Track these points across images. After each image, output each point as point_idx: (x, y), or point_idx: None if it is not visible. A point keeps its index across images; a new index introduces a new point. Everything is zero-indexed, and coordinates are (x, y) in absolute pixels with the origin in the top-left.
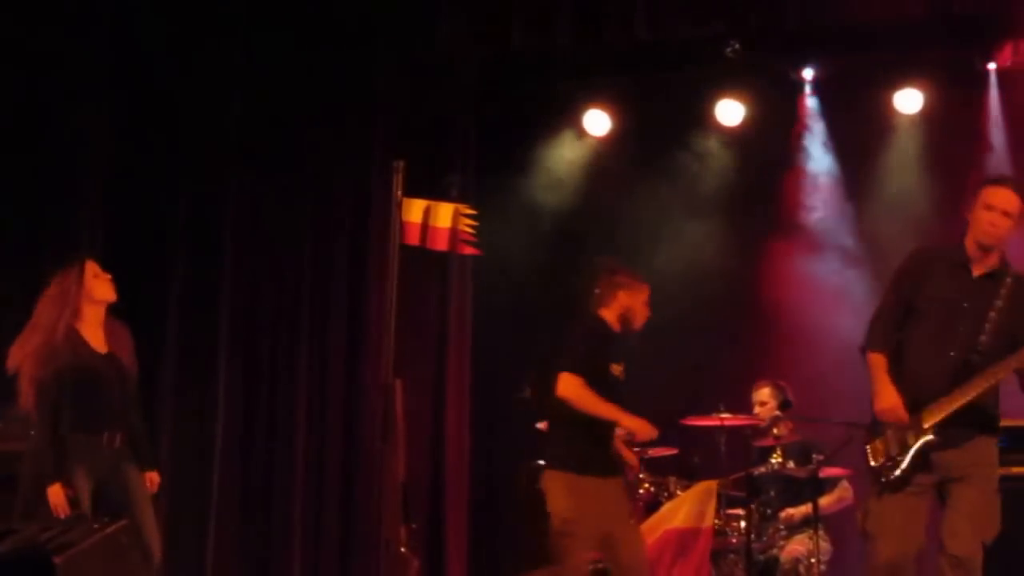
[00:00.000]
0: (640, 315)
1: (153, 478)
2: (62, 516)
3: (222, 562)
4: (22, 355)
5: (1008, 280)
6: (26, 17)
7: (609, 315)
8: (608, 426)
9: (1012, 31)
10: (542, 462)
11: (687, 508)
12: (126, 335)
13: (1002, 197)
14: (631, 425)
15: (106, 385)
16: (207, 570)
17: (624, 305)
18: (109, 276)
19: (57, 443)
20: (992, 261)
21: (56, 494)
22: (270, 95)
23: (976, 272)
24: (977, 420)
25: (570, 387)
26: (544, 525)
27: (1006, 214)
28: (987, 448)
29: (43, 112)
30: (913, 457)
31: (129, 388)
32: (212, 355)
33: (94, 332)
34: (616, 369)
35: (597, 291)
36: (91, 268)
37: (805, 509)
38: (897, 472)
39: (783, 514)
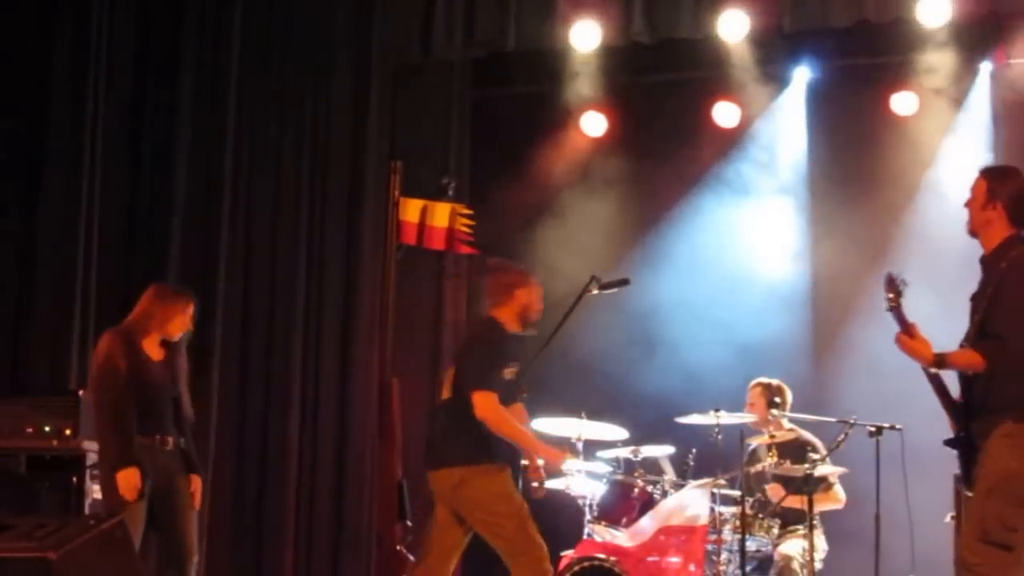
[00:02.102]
0: (536, 311)
1: (197, 481)
2: (131, 500)
3: (216, 558)
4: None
5: (1002, 266)
6: None
7: (504, 315)
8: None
9: (1005, 31)
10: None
11: (682, 506)
12: (180, 345)
13: (974, 185)
14: (545, 454)
15: (160, 391)
16: (201, 566)
17: (522, 303)
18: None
19: (128, 434)
20: (986, 248)
21: (131, 477)
22: (267, 96)
23: (983, 262)
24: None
25: (488, 408)
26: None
27: (970, 200)
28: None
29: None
30: None
31: (180, 394)
32: (207, 353)
33: (151, 340)
34: (509, 372)
35: (488, 292)
36: (190, 310)
37: (798, 502)
38: None
39: (772, 492)
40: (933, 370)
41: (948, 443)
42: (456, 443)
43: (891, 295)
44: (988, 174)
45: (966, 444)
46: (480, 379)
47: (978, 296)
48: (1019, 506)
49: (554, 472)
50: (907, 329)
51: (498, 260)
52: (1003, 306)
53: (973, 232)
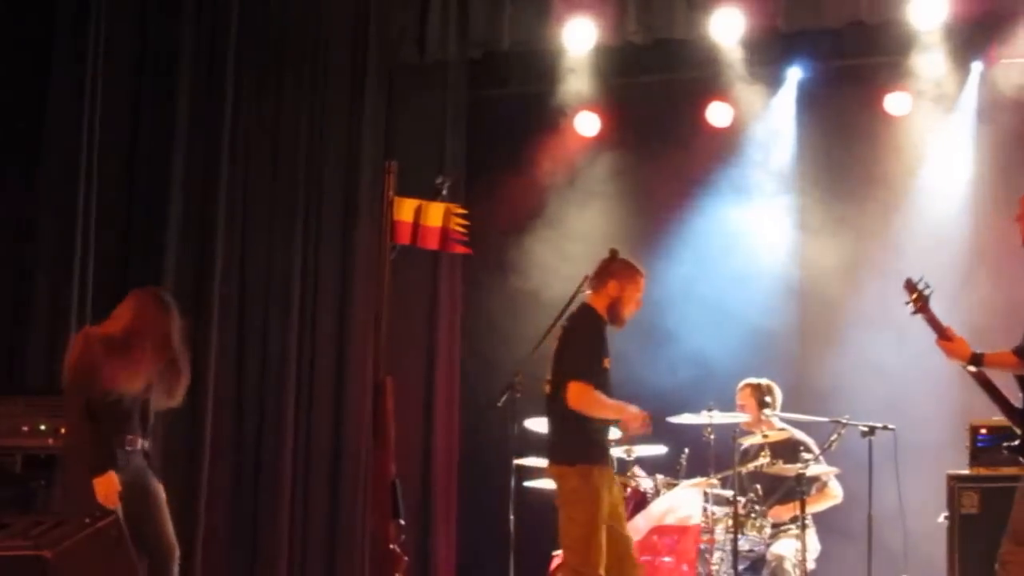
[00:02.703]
0: (629, 309)
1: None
2: (112, 506)
3: (211, 556)
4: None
5: None
6: None
7: (598, 303)
8: (604, 426)
9: (997, 32)
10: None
11: (674, 506)
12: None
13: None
14: (629, 419)
15: (132, 394)
16: (196, 566)
17: (612, 295)
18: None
19: (103, 437)
20: None
21: (110, 483)
22: (263, 95)
23: None
24: None
25: (582, 398)
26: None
27: (1020, 215)
28: None
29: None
30: None
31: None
32: (203, 351)
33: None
34: (607, 362)
35: (592, 276)
36: (175, 327)
37: (793, 508)
38: None
39: (771, 513)
40: (972, 368)
41: (1008, 449)
42: (558, 441)
43: (914, 299)
44: None
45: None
46: (575, 369)
47: None
48: None
49: (635, 435)
50: (942, 332)
51: (614, 249)
52: None
53: None
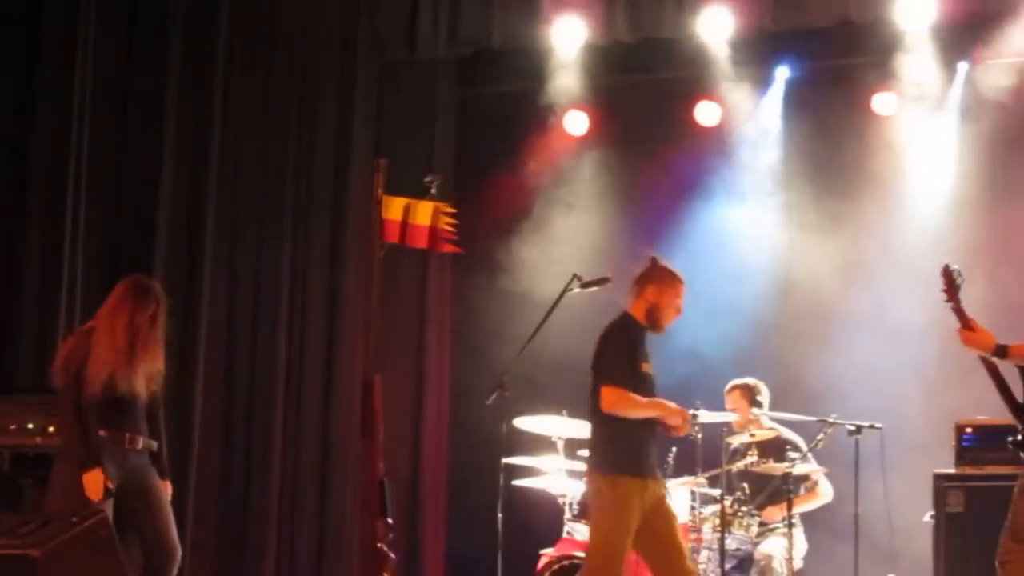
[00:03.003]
0: (667, 315)
1: (167, 487)
2: (97, 500)
3: (200, 554)
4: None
5: None
6: None
7: (636, 310)
8: (648, 428)
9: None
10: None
11: None
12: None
13: None
14: (668, 414)
15: (132, 391)
16: (184, 562)
17: (650, 301)
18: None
19: (90, 435)
20: None
21: (96, 480)
22: (252, 93)
23: None
24: None
25: (615, 401)
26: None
27: None
28: None
29: None
30: None
31: (153, 395)
32: (192, 344)
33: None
34: (646, 367)
35: (632, 282)
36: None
37: (780, 509)
38: None
39: (764, 515)
40: (995, 358)
41: (1012, 444)
42: (595, 449)
43: (947, 288)
44: None
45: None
46: (606, 374)
47: None
48: None
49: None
50: (967, 323)
51: (655, 255)
52: None
53: None
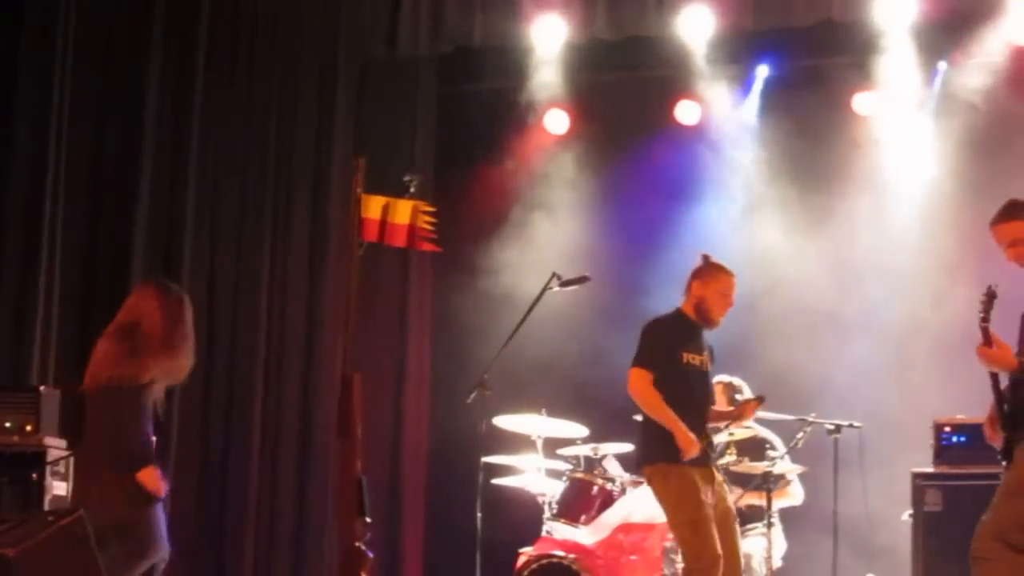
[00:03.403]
0: (715, 307)
1: None
2: (161, 495)
3: (178, 552)
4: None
5: None
6: None
7: (687, 307)
8: (697, 416)
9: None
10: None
11: (641, 504)
12: None
13: (1001, 234)
14: (679, 439)
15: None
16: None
17: (696, 296)
18: None
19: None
20: None
21: (154, 474)
22: (233, 91)
23: None
24: None
25: (637, 384)
26: (500, 519)
27: (1009, 246)
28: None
29: None
30: None
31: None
32: None
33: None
34: (693, 358)
35: (686, 282)
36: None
37: (759, 496)
38: None
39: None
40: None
41: (1000, 455)
42: (641, 441)
43: (985, 308)
44: (1014, 212)
45: (1008, 453)
46: (637, 357)
47: None
48: None
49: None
50: (988, 339)
51: (707, 254)
52: None
53: None
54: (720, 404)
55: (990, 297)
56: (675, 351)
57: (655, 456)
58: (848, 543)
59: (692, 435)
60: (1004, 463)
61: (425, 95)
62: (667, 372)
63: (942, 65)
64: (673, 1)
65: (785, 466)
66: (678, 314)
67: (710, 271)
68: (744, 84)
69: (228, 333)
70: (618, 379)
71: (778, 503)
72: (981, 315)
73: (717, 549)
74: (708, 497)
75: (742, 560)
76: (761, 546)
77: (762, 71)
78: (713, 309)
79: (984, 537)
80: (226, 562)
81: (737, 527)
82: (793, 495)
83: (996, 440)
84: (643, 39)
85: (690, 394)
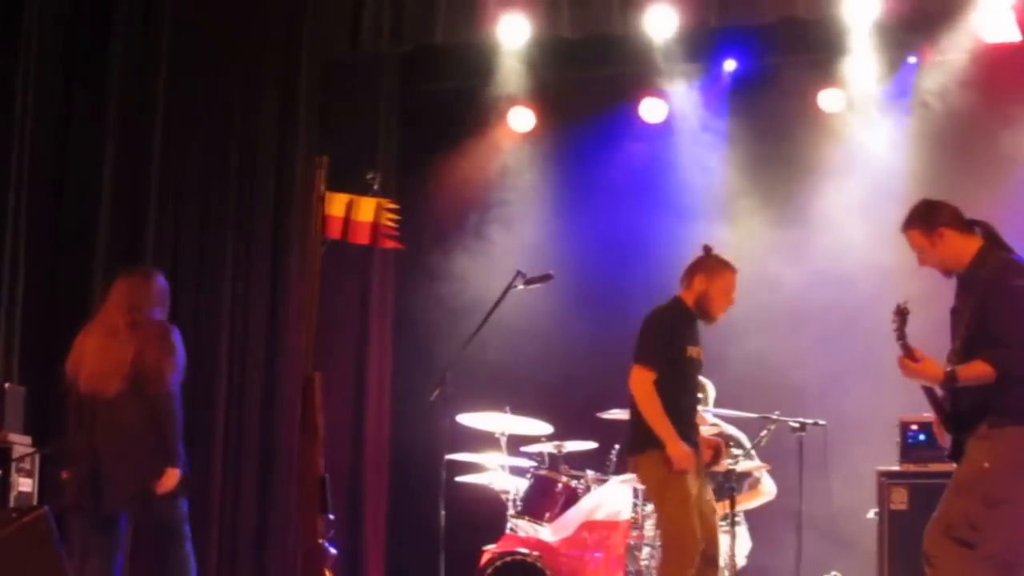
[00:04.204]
0: (716, 303)
1: None
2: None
3: (138, 550)
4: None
5: (982, 274)
6: None
7: (687, 297)
8: (691, 398)
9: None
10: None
11: (605, 502)
12: None
13: (907, 240)
14: (671, 450)
15: None
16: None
17: (699, 290)
18: None
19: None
20: (962, 268)
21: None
22: (195, 90)
23: (962, 278)
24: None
25: (639, 385)
26: (463, 517)
27: (921, 253)
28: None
29: None
30: None
31: None
32: None
33: None
34: (693, 351)
35: (684, 272)
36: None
37: (724, 506)
38: None
39: None
40: (946, 387)
41: (949, 456)
42: (632, 430)
43: (899, 327)
44: (913, 221)
45: (957, 453)
46: (639, 353)
47: (959, 310)
48: (987, 506)
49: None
50: (910, 353)
51: (708, 245)
52: (999, 312)
53: (950, 270)
54: None
55: (900, 314)
56: (679, 345)
57: (641, 444)
58: (813, 541)
59: (685, 447)
60: (955, 463)
61: (388, 93)
62: (670, 368)
63: (908, 62)
64: None
65: (749, 464)
66: (679, 303)
67: (716, 266)
68: (710, 82)
69: (191, 330)
70: (582, 377)
71: (754, 502)
72: (895, 332)
73: (698, 535)
74: (695, 488)
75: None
76: (725, 544)
77: (728, 68)
78: (715, 306)
79: (932, 533)
80: None
81: (718, 523)
82: (766, 492)
83: (945, 443)
84: (607, 36)
85: (689, 392)
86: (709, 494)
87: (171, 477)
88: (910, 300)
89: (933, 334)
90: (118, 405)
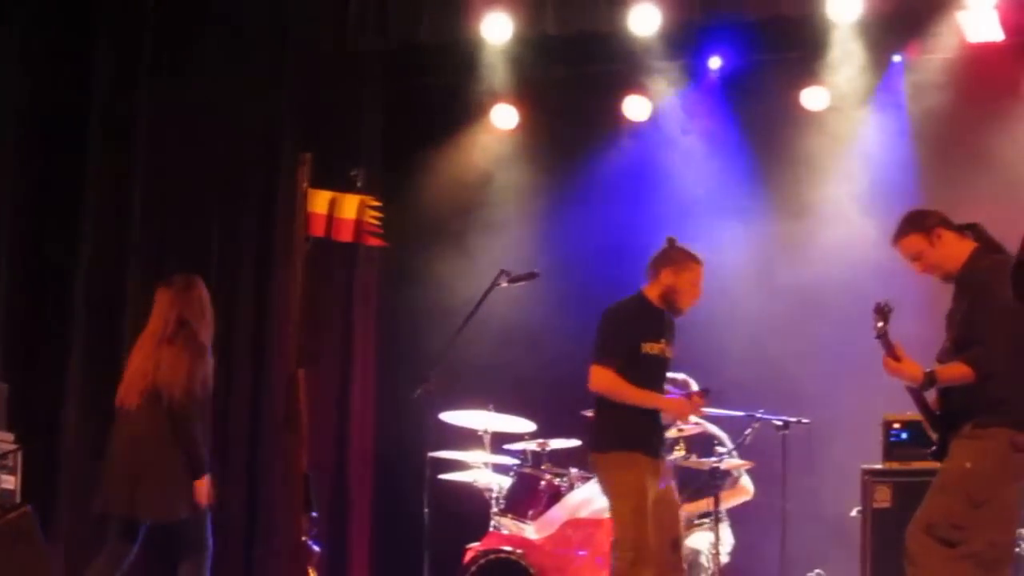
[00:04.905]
0: (684, 296)
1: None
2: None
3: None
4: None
5: (973, 277)
6: None
7: (651, 292)
8: (648, 408)
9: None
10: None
11: (589, 499)
12: None
13: (902, 251)
14: (666, 407)
15: None
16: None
17: (665, 284)
18: None
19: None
20: (957, 271)
21: (207, 484)
22: (179, 87)
23: (957, 281)
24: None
25: (601, 381)
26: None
27: (912, 260)
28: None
29: None
30: None
31: None
32: (118, 338)
33: None
34: (652, 347)
35: (648, 264)
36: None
37: (705, 504)
38: None
39: (683, 509)
40: (926, 388)
41: (932, 455)
42: (596, 430)
43: (880, 324)
44: (907, 227)
45: (941, 452)
46: (596, 352)
47: (953, 312)
48: (969, 505)
49: (686, 422)
50: (892, 352)
51: (672, 237)
52: (981, 313)
53: (947, 273)
54: None
55: (880, 312)
56: (635, 342)
57: (606, 444)
58: (796, 539)
59: (676, 399)
60: (938, 462)
61: (372, 91)
62: (629, 366)
63: (893, 60)
64: None
65: (733, 462)
66: (640, 299)
67: (682, 259)
68: (694, 79)
69: None
70: (565, 375)
71: (734, 501)
72: (876, 330)
73: (651, 543)
74: (651, 490)
75: (689, 555)
76: (708, 541)
77: (713, 65)
78: (682, 300)
79: (914, 531)
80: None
81: (681, 518)
82: (745, 491)
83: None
84: (592, 34)
85: (648, 386)
86: (674, 490)
87: (201, 487)
88: (899, 301)
89: (923, 336)
90: (138, 418)
